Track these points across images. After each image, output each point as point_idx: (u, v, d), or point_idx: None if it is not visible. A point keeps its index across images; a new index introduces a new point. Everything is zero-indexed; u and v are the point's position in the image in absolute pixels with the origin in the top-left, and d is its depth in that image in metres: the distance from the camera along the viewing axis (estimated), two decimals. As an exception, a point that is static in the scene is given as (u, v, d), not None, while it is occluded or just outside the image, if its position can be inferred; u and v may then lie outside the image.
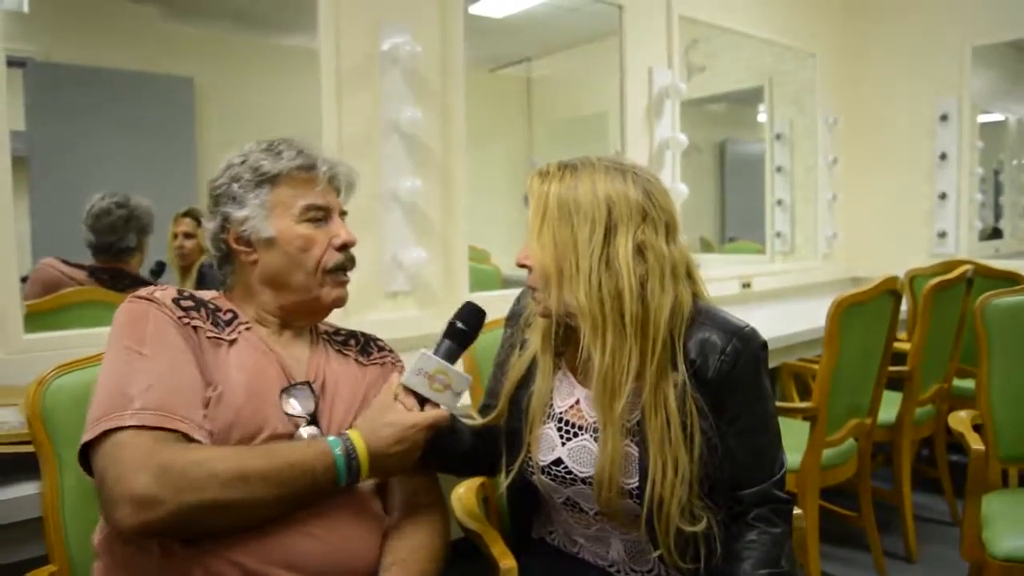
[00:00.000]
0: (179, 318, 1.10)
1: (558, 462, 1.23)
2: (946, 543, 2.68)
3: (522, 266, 1.22)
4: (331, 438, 1.07)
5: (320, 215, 1.22)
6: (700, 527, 1.13)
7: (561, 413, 1.25)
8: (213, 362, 1.10)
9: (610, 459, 1.13)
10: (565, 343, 1.27)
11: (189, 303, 1.14)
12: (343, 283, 1.25)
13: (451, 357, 1.16)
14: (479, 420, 1.32)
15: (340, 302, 1.25)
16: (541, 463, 1.24)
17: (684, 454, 1.12)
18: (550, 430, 1.25)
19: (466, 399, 1.31)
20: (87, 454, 0.99)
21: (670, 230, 1.17)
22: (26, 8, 1.90)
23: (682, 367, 1.13)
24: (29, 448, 1.20)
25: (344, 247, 1.23)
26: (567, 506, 1.27)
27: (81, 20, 2.03)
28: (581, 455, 1.20)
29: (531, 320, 1.30)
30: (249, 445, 1.06)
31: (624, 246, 1.13)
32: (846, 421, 2.24)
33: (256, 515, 1.00)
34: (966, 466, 1.80)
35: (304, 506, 1.05)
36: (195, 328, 1.11)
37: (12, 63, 1.75)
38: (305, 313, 1.24)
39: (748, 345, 1.15)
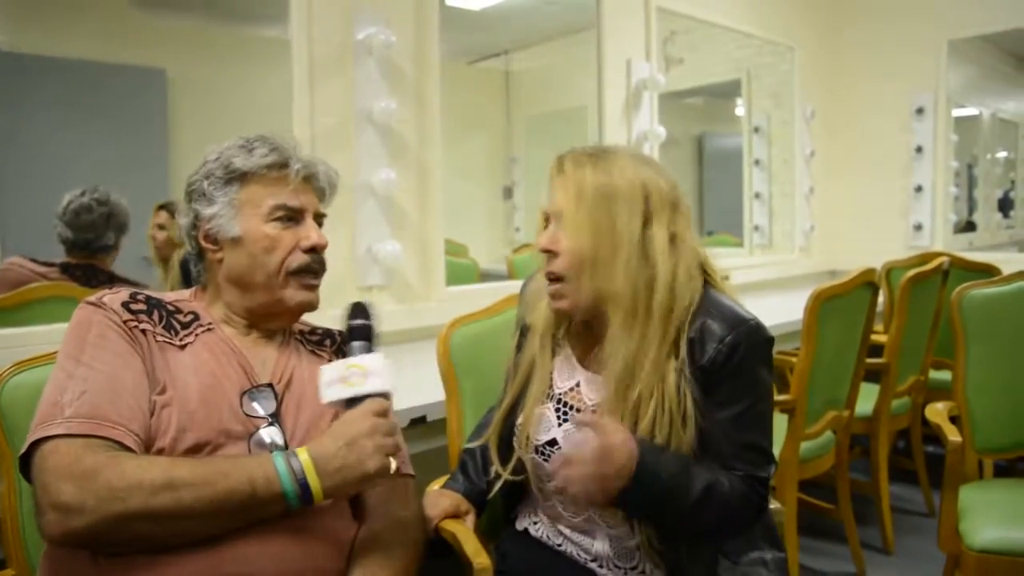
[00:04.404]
0: (125, 322, 1.08)
1: (552, 442, 1.22)
2: (922, 534, 2.70)
3: (547, 251, 1.20)
4: (275, 452, 1.00)
5: (289, 215, 1.17)
6: None
7: (561, 394, 1.25)
8: (163, 366, 1.07)
9: None
10: (569, 332, 1.27)
11: (140, 306, 1.11)
12: (310, 287, 1.19)
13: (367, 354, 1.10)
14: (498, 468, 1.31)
15: (307, 306, 1.20)
16: (536, 442, 1.24)
17: (675, 437, 1.11)
18: (548, 410, 1.25)
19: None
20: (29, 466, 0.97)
21: (690, 225, 1.20)
22: (-11, -5, 1.85)
23: (683, 351, 1.13)
24: (-14, 448, 1.17)
25: (312, 250, 1.17)
26: (557, 492, 1.25)
27: (48, 8, 1.98)
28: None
29: (533, 309, 1.29)
30: (203, 452, 1.03)
31: (660, 235, 1.14)
32: (824, 414, 2.24)
33: (193, 529, 0.95)
34: (941, 457, 1.81)
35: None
36: (143, 332, 1.08)
37: (-26, 52, 1.71)
38: (271, 316, 1.19)
39: (750, 338, 1.14)
